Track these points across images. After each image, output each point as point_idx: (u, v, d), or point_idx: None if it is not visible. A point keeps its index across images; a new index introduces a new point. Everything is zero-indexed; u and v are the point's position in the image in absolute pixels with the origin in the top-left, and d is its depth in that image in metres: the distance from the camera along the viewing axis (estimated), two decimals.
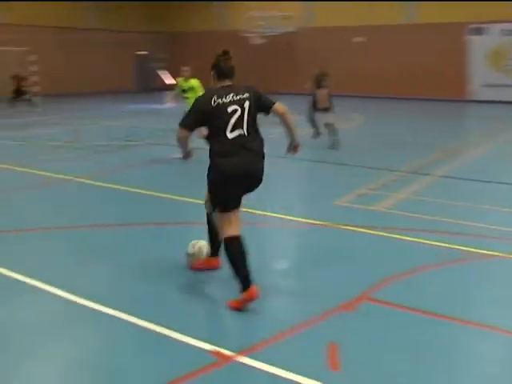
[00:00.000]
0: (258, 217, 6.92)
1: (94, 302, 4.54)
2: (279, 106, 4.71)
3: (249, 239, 4.71)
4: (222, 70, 4.67)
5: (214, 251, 5.14)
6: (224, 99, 4.56)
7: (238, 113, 4.57)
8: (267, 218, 6.94)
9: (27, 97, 22.20)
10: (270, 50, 30.66)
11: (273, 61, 30.92)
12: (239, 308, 4.44)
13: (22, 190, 8.39)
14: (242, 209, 4.73)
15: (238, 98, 4.60)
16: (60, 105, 24.62)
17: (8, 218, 6.93)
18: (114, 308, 4.43)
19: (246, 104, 4.61)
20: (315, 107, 13.02)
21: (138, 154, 11.45)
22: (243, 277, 4.44)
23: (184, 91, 10.98)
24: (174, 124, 5.01)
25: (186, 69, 10.70)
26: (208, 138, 4.62)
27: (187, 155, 4.84)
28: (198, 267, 5.18)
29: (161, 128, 15.69)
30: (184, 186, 8.67)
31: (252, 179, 4.63)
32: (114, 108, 23.04)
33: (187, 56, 34.28)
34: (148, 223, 6.64)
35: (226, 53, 4.70)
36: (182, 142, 4.69)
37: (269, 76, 29.71)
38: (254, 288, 4.44)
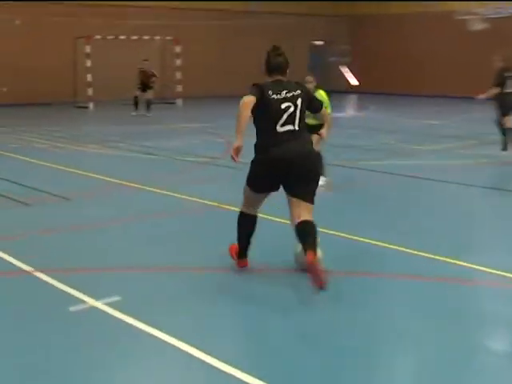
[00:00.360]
0: (460, 270, 6.40)
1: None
2: (325, 110, 6.28)
3: (449, 302, 5.04)
4: (271, 65, 5.85)
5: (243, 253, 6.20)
6: (279, 95, 5.70)
7: (291, 109, 5.71)
8: (475, 271, 6.38)
9: (148, 96, 22.04)
10: (492, 38, 28.05)
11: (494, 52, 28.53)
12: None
13: (152, 215, 8.56)
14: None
15: (292, 94, 5.75)
16: (203, 108, 24.95)
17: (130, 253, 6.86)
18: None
19: (299, 101, 5.77)
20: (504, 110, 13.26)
21: None
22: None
23: None
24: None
25: (309, 79, 10.28)
26: (257, 131, 5.78)
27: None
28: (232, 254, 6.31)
29: (348, 144, 15.24)
30: (368, 223, 8.31)
31: (300, 164, 5.69)
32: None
33: (375, 46, 33.20)
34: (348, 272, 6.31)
35: (276, 48, 5.92)
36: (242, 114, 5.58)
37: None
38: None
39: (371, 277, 6.13)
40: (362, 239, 7.27)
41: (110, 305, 5.35)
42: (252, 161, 5.83)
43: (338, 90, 33.22)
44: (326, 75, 34.40)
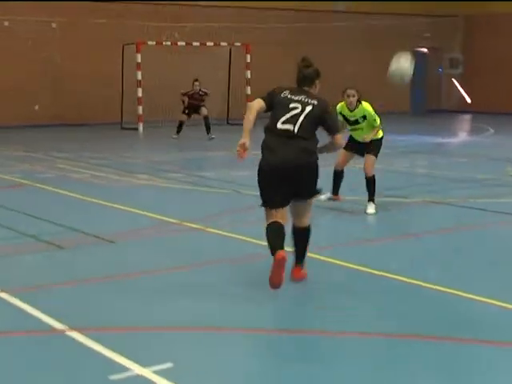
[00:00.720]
0: None
1: None
2: (339, 137, 7.32)
3: None
4: (299, 76, 7.31)
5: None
6: (292, 96, 7.14)
7: (297, 111, 7.05)
8: None
9: (204, 112, 22.84)
10: None
11: None
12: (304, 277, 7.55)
13: (210, 262, 8.72)
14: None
15: (306, 101, 7.12)
16: None
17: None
18: None
19: (308, 108, 7.08)
20: None
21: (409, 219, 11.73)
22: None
23: (349, 122, 11.36)
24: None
25: (351, 93, 11.14)
26: (265, 128, 7.22)
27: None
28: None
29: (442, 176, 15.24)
30: (477, 276, 8.22)
31: (291, 175, 7.03)
32: None
33: (496, 55, 32.80)
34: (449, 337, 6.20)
35: (303, 59, 7.32)
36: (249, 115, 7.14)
37: None
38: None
39: (484, 345, 6.01)
40: (472, 296, 7.15)
41: (160, 373, 5.39)
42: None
43: (447, 109, 33.05)
44: (431, 90, 34.35)
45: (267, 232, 7.13)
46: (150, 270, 8.24)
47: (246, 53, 27.58)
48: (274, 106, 7.13)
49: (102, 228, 10.22)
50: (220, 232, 10.07)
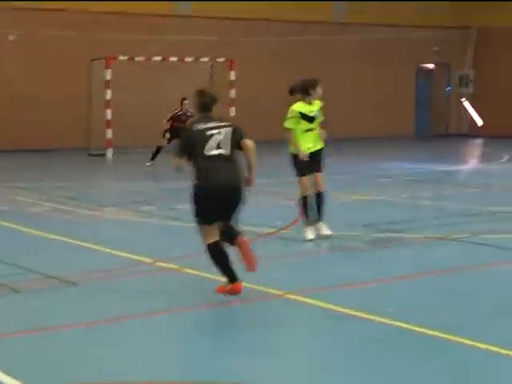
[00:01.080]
0: None
1: None
2: (249, 141, 9.00)
3: None
4: (202, 104, 9.08)
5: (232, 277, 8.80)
6: (205, 125, 8.83)
7: (218, 136, 8.77)
8: None
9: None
10: None
11: None
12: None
13: (190, 308, 8.74)
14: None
15: (219, 125, 8.87)
16: (262, 157, 25.03)
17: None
18: None
19: (224, 130, 8.86)
20: None
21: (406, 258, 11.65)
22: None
23: (308, 119, 12.11)
24: None
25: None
26: (190, 159, 8.82)
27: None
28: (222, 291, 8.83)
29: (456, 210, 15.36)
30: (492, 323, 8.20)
31: (230, 195, 8.79)
32: (374, 168, 23.67)
33: (509, 71, 33.04)
34: None
35: (200, 92, 9.16)
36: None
37: None
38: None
39: None
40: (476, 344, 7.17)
41: None
42: (191, 195, 8.85)
43: (456, 133, 33.19)
44: (438, 112, 34.52)
45: (217, 253, 8.79)
46: (118, 317, 8.22)
47: (230, 69, 27.69)
48: (195, 141, 8.76)
49: (63, 268, 10.17)
50: (198, 273, 10.06)
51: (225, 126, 8.92)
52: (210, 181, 8.73)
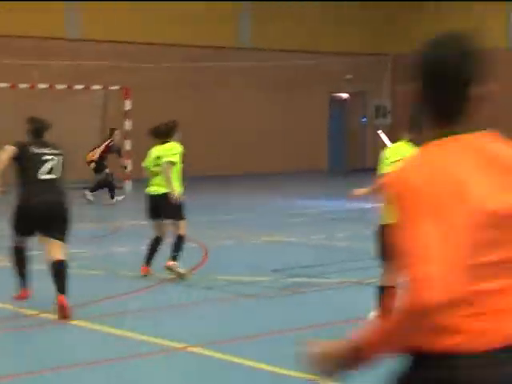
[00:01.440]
0: None
1: None
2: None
3: None
4: (36, 130, 10.96)
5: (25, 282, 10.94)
6: (40, 150, 10.60)
7: (51, 162, 10.53)
8: None
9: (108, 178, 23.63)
10: None
11: None
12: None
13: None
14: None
15: (52, 151, 10.71)
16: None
17: None
18: None
19: (59, 157, 10.70)
20: None
21: (321, 309, 11.72)
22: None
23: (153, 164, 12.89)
24: None
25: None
26: (19, 179, 10.56)
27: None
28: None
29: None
30: None
31: (51, 215, 10.40)
32: (285, 207, 24.01)
33: None
34: None
35: (33, 120, 11.20)
36: None
37: None
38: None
39: None
40: None
41: None
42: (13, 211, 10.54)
43: (374, 167, 33.51)
44: (354, 144, 34.90)
45: (17, 256, 10.82)
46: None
47: (125, 98, 27.62)
48: (26, 160, 10.49)
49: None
50: (90, 326, 10.13)
51: (59, 154, 10.70)
52: (31, 199, 10.37)
